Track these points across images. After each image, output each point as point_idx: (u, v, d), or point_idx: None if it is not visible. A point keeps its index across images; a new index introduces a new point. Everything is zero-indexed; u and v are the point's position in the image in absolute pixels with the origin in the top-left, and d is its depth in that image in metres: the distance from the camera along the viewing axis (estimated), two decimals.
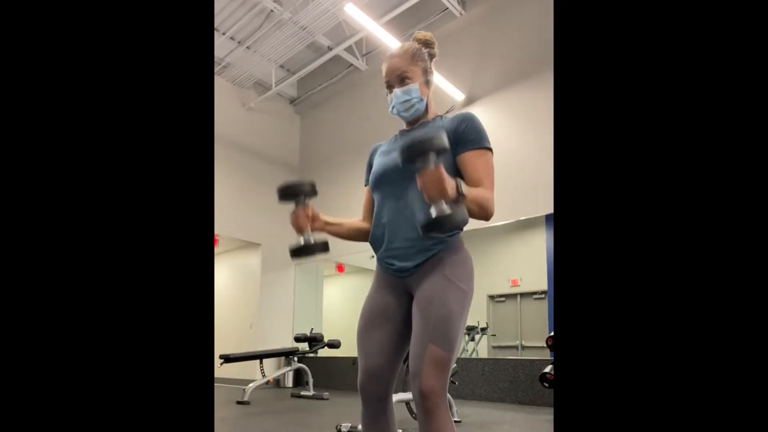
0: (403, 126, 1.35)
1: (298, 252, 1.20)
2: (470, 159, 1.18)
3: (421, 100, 1.27)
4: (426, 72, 1.29)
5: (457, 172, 1.19)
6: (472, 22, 6.11)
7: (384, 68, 1.30)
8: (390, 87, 1.29)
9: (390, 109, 1.30)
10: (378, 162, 1.31)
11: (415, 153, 0.98)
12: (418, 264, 1.18)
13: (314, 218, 1.25)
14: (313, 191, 1.21)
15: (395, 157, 1.23)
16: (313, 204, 1.26)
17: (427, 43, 1.32)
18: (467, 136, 1.19)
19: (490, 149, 1.20)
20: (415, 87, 1.26)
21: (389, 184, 1.24)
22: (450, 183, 1.00)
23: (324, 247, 1.21)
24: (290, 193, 1.20)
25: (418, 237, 1.16)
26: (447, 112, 1.34)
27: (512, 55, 5.64)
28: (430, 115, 1.31)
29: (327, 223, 1.29)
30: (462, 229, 1.21)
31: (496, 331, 6.50)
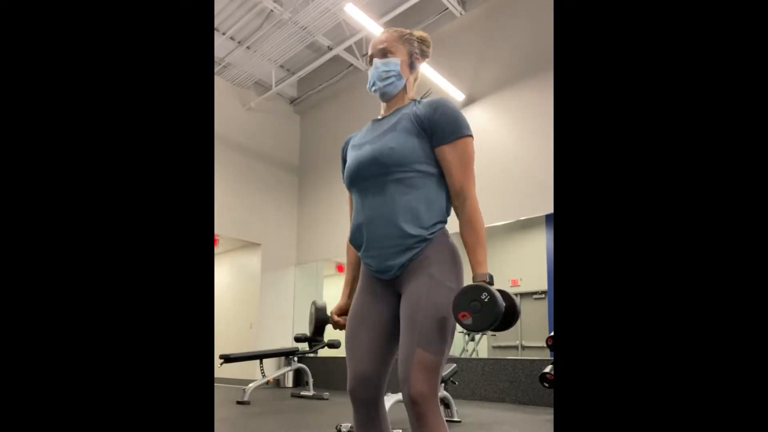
0: (378, 117, 1.31)
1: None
2: (449, 154, 1.16)
3: (400, 77, 1.25)
4: (411, 55, 1.27)
5: (435, 160, 1.18)
6: (472, 22, 6.11)
7: (370, 45, 1.29)
8: (372, 60, 1.27)
9: (368, 85, 1.28)
10: (351, 156, 1.26)
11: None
12: (402, 264, 1.14)
13: (342, 312, 1.31)
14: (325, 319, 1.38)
15: (369, 150, 1.20)
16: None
17: (422, 40, 1.30)
18: (444, 127, 1.16)
19: (469, 135, 1.17)
20: (396, 61, 1.24)
21: (365, 179, 1.20)
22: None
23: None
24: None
25: (398, 235, 1.14)
26: (423, 96, 1.30)
27: (512, 55, 5.64)
28: (407, 100, 1.27)
29: (348, 297, 1.33)
30: (446, 222, 1.21)
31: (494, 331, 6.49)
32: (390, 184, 1.16)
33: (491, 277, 1.09)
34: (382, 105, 1.31)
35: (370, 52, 1.28)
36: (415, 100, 1.26)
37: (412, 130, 1.18)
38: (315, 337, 1.27)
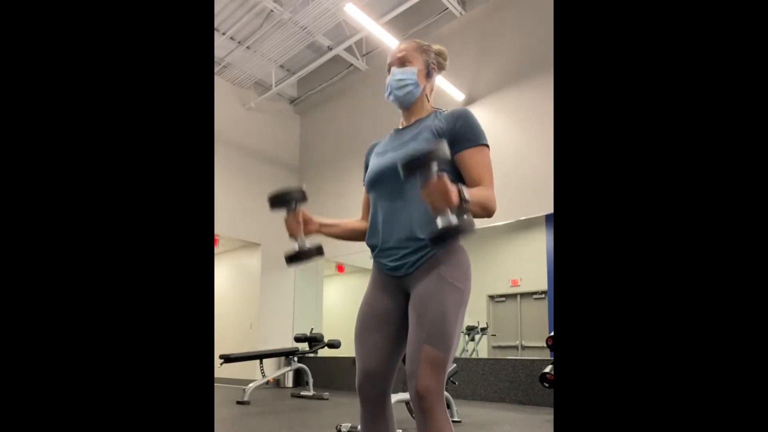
0: (399, 126, 1.35)
1: (294, 258, 1.22)
2: (468, 158, 1.19)
3: (417, 85, 1.28)
4: (428, 65, 1.31)
5: (456, 171, 1.20)
6: (472, 22, 6.11)
7: (389, 56, 1.33)
8: (390, 69, 1.31)
9: (385, 92, 1.31)
10: (374, 162, 1.31)
11: (415, 165, 0.97)
12: (413, 263, 1.17)
13: (307, 222, 1.26)
14: (303, 197, 1.22)
15: (391, 157, 1.24)
16: (310, 206, 1.26)
17: (438, 53, 1.35)
18: (464, 134, 1.20)
19: (486, 145, 1.21)
20: (413, 70, 1.28)
21: (385, 184, 1.24)
22: (453, 191, 0.98)
23: (318, 251, 1.22)
24: (280, 200, 1.21)
25: (412, 237, 1.17)
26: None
27: (512, 55, 5.64)
28: (426, 111, 1.31)
29: (322, 225, 1.31)
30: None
31: (496, 331, 6.50)
32: (407, 190, 1.19)
33: (465, 199, 1.02)
34: (403, 114, 1.34)
35: (388, 62, 1.32)
36: (436, 111, 1.30)
37: (432, 140, 1.21)
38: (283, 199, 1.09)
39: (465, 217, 0.99)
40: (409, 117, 1.32)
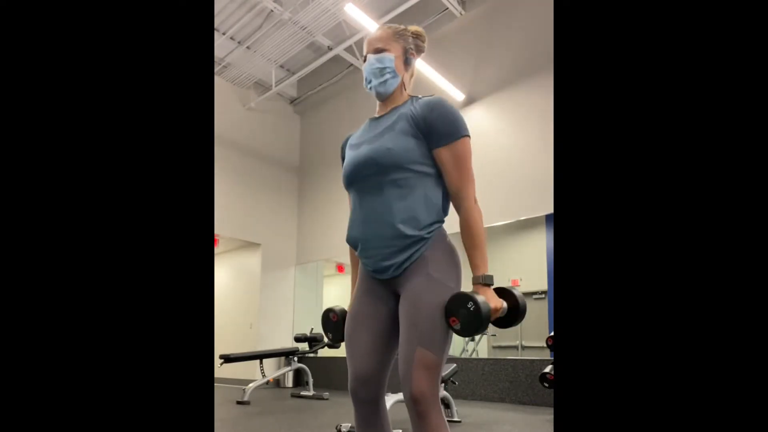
0: (375, 114, 1.30)
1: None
2: (446, 156, 1.15)
3: (395, 75, 1.23)
4: (406, 51, 1.26)
5: (432, 160, 1.17)
6: (472, 22, 6.11)
7: (365, 43, 1.28)
8: (366, 59, 1.26)
9: (364, 82, 1.27)
10: (349, 156, 1.24)
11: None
12: (400, 264, 1.14)
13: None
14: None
15: (366, 150, 1.19)
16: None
17: (416, 35, 1.29)
18: (440, 129, 1.14)
19: (465, 136, 1.16)
20: (390, 57, 1.23)
21: (362, 180, 1.19)
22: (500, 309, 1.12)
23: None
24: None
25: (394, 236, 1.13)
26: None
27: (512, 55, 5.64)
28: (403, 99, 1.26)
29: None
30: (443, 222, 1.20)
31: (496, 331, 6.50)
32: (387, 185, 1.15)
33: (490, 278, 1.10)
34: (378, 102, 1.29)
35: (365, 51, 1.27)
36: (412, 98, 1.24)
37: (409, 131, 1.16)
38: (334, 344, 1.38)
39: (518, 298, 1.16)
40: (386, 106, 1.27)
